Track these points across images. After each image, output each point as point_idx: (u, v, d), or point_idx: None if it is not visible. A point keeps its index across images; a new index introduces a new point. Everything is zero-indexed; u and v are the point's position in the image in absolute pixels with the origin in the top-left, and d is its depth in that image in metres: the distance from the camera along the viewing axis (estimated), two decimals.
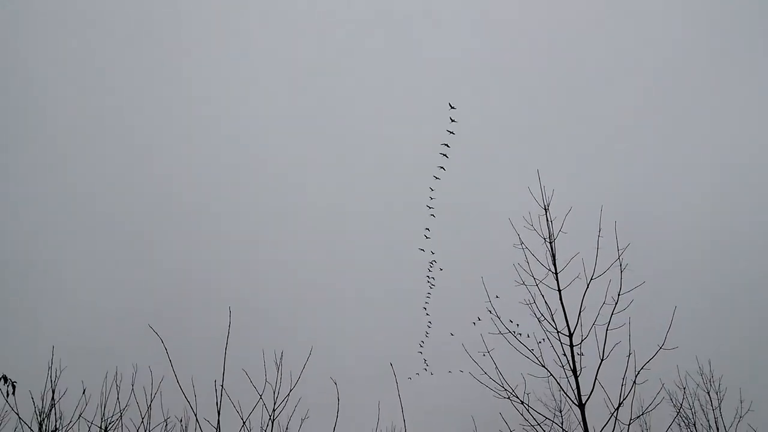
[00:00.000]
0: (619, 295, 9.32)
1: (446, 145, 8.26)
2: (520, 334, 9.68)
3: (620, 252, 9.60)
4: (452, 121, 8.21)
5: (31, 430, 6.86)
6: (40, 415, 6.86)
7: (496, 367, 9.34)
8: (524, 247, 10.07)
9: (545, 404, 10.90)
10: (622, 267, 9.50)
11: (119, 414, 6.98)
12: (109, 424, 6.92)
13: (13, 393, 6.81)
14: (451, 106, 8.50)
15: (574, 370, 9.24)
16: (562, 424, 10.42)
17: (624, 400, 8.91)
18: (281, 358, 7.35)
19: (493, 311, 9.72)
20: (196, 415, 6.55)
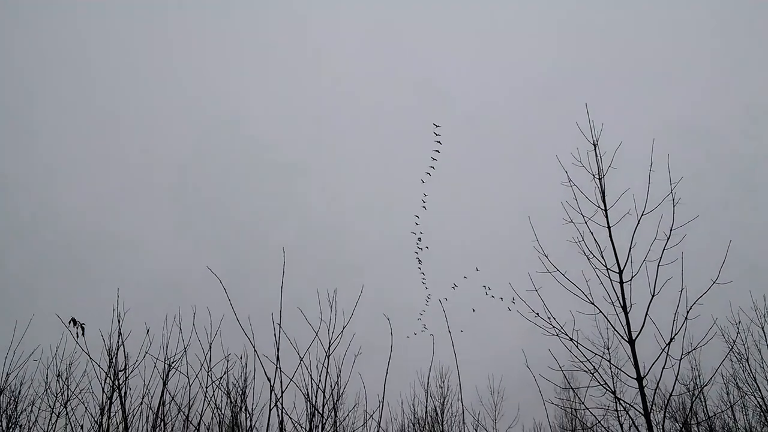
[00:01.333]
0: (671, 230, 9.10)
1: (434, 158, 8.23)
2: (566, 271, 9.58)
3: (673, 186, 9.30)
4: (438, 142, 8.18)
5: (101, 368, 7.22)
6: (109, 354, 7.22)
7: (545, 305, 9.31)
8: (572, 184, 9.85)
9: (592, 342, 10.84)
10: (675, 201, 9.23)
11: (182, 352, 7.27)
12: (173, 362, 7.25)
13: (83, 334, 7.16)
14: (435, 126, 8.43)
15: (624, 307, 9.14)
16: (610, 360, 10.41)
17: (675, 335, 8.82)
18: (335, 296, 7.51)
19: (540, 250, 9.62)
20: (255, 351, 6.77)
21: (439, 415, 19.73)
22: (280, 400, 6.67)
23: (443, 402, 20.18)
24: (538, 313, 9.42)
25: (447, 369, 20.41)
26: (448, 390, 20.23)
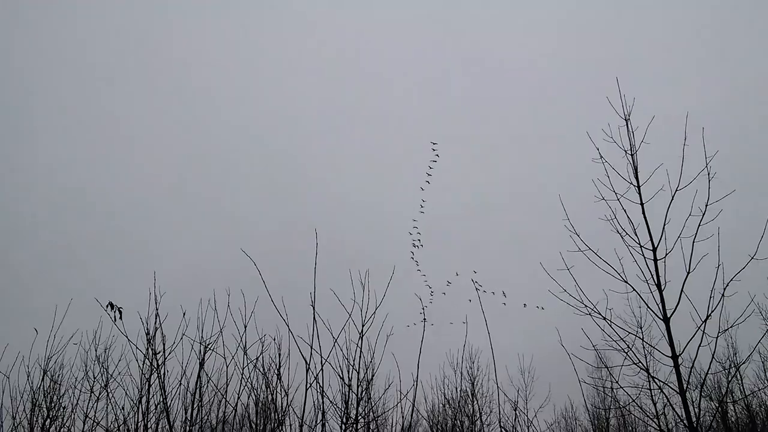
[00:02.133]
0: (706, 205, 8.88)
1: (429, 173, 8.21)
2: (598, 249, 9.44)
3: (708, 160, 9.07)
4: (434, 156, 8.15)
5: (139, 350, 7.39)
6: (147, 336, 7.37)
7: (576, 284, 9.20)
8: (604, 161, 9.67)
9: (624, 321, 10.72)
10: (710, 176, 9.00)
11: (218, 333, 7.39)
12: (209, 344, 7.37)
13: (120, 317, 7.32)
14: (433, 143, 8.39)
15: (658, 285, 8.98)
16: (642, 338, 10.28)
17: (711, 313, 8.65)
18: (367, 277, 7.53)
19: (571, 229, 9.49)
20: (290, 331, 6.85)
21: (470, 395, 19.91)
22: (317, 379, 6.76)
23: (473, 383, 20.32)
24: (569, 293, 9.33)
25: (477, 350, 20.49)
26: (478, 370, 20.37)
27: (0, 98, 53.23)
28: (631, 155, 9.62)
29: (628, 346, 9.24)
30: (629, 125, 9.72)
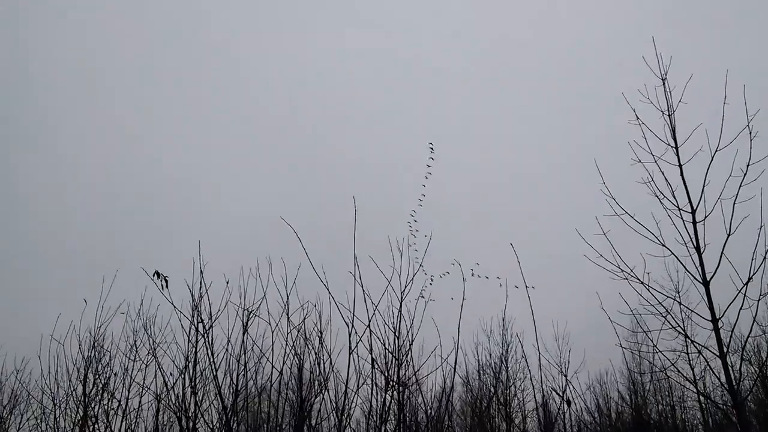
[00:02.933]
0: (747, 165, 8.65)
1: (426, 177, 8.18)
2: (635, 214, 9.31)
3: (749, 119, 8.81)
4: (431, 156, 8.11)
5: (185, 316, 7.64)
6: (193, 302, 7.62)
7: (613, 248, 9.12)
8: (640, 122, 9.47)
9: (661, 285, 10.60)
10: (752, 135, 8.76)
11: (260, 300, 7.59)
12: (251, 312, 7.58)
13: (167, 286, 7.56)
14: (430, 144, 8.31)
15: (697, 247, 8.84)
16: (680, 302, 10.17)
17: (753, 276, 8.49)
18: (406, 243, 7.62)
19: (607, 192, 9.37)
20: (331, 296, 7.00)
21: (503, 361, 20.19)
22: (361, 340, 6.94)
23: (506, 349, 20.54)
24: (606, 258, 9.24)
25: (510, 317, 20.63)
26: (511, 337, 20.55)
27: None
28: (669, 116, 9.41)
29: (667, 311, 9.15)
30: (666, 85, 9.50)
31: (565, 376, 9.19)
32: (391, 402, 7.11)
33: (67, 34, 58.16)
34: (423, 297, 7.53)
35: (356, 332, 7.35)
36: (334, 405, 7.16)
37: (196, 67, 62.23)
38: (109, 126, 55.59)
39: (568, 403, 9.17)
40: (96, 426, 8.31)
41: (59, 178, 50.18)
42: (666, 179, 9.15)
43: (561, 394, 9.12)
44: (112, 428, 8.40)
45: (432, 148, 8.32)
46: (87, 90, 55.51)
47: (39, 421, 9.17)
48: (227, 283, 7.57)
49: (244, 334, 7.59)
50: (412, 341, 7.43)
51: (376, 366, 7.12)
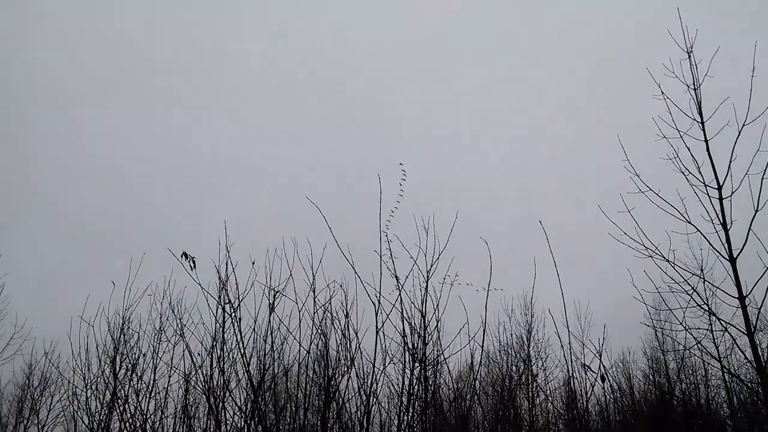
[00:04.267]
0: None
1: (398, 197, 8.19)
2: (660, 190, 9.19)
3: None
4: (403, 178, 8.09)
5: (212, 296, 7.75)
6: (221, 282, 7.73)
7: (637, 225, 9.03)
8: (665, 97, 9.31)
9: (685, 264, 10.50)
10: None
11: (286, 279, 7.67)
12: (277, 292, 7.66)
13: (194, 267, 7.66)
14: (401, 164, 8.31)
15: (723, 224, 8.72)
16: (705, 280, 10.07)
17: None
18: (431, 221, 7.63)
19: (631, 169, 9.25)
20: (357, 275, 7.05)
21: (525, 341, 20.31)
22: (388, 318, 6.99)
23: (529, 329, 20.64)
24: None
25: (534, 298, 20.70)
26: (533, 317, 20.67)
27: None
28: (694, 90, 9.24)
29: (692, 288, 9.07)
30: (692, 58, 9.31)
31: (599, 353, 9.15)
32: (419, 379, 7.17)
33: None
34: (449, 276, 7.54)
35: (383, 310, 7.41)
36: (362, 382, 7.24)
37: (214, 51, 62.46)
38: (135, 108, 56.42)
39: (603, 378, 9.16)
40: (126, 406, 8.47)
41: (88, 161, 51.31)
42: (692, 155, 9.01)
43: (595, 370, 9.11)
44: (142, 408, 8.56)
45: (404, 171, 8.32)
46: (119, 71, 56.12)
47: (70, 401, 9.40)
48: (253, 263, 7.65)
49: (270, 314, 7.68)
50: (439, 320, 7.47)
51: (405, 343, 7.18)
